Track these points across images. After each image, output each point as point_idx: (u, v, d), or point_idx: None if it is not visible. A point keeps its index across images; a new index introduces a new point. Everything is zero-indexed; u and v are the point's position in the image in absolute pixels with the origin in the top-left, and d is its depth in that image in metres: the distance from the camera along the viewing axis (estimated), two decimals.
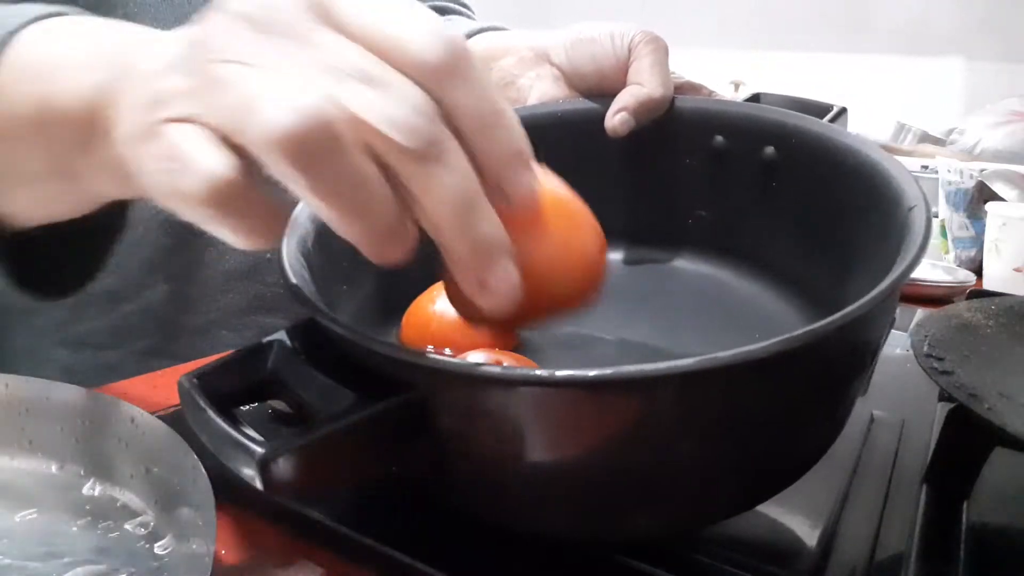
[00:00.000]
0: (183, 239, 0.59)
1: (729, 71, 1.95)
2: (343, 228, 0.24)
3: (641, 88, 0.48)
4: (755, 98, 0.51)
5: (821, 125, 0.44)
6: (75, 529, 0.34)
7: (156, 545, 0.33)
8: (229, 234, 0.25)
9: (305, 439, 0.26)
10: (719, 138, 0.48)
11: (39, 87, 0.31)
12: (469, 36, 0.65)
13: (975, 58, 1.74)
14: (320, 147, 0.21)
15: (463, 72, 0.23)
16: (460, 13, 0.75)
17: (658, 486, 0.29)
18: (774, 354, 0.26)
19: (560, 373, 0.25)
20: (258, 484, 0.25)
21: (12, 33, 0.31)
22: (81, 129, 0.30)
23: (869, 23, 1.84)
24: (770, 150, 0.46)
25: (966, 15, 1.72)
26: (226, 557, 0.33)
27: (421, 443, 0.28)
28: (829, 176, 0.42)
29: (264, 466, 0.25)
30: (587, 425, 0.27)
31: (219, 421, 0.27)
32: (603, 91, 0.51)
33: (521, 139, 0.25)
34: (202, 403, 0.28)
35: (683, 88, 0.51)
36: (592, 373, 0.25)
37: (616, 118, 0.48)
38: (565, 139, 0.50)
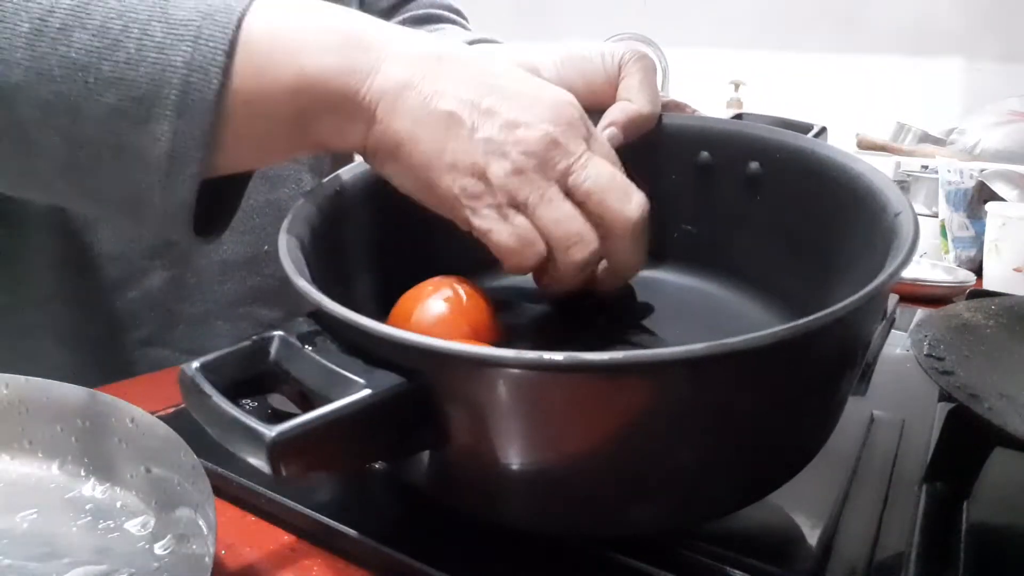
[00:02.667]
0: None
1: (729, 71, 1.95)
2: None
3: (630, 104, 0.49)
4: (738, 118, 0.51)
5: (804, 139, 0.45)
6: (75, 529, 0.34)
7: (156, 545, 0.33)
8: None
9: (314, 422, 0.26)
10: (704, 154, 0.49)
11: (294, 59, 0.36)
12: None
13: (975, 58, 1.74)
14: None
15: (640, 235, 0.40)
16: (454, 22, 0.75)
17: (660, 477, 0.29)
18: (781, 340, 0.26)
19: (572, 356, 0.25)
20: (266, 468, 0.26)
21: (242, 13, 0.36)
22: (331, 107, 0.37)
23: (869, 23, 1.84)
24: (755, 165, 0.46)
25: (966, 15, 1.72)
26: (226, 557, 0.33)
27: (426, 430, 0.29)
28: (813, 188, 0.43)
29: (274, 449, 0.25)
30: (595, 411, 0.27)
31: (225, 406, 0.27)
32: (592, 107, 0.51)
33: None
34: (206, 389, 0.28)
35: (668, 106, 0.52)
36: (605, 356, 0.25)
37: (605, 133, 0.48)
38: None
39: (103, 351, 0.60)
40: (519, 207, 0.37)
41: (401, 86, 0.36)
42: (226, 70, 0.35)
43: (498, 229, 0.37)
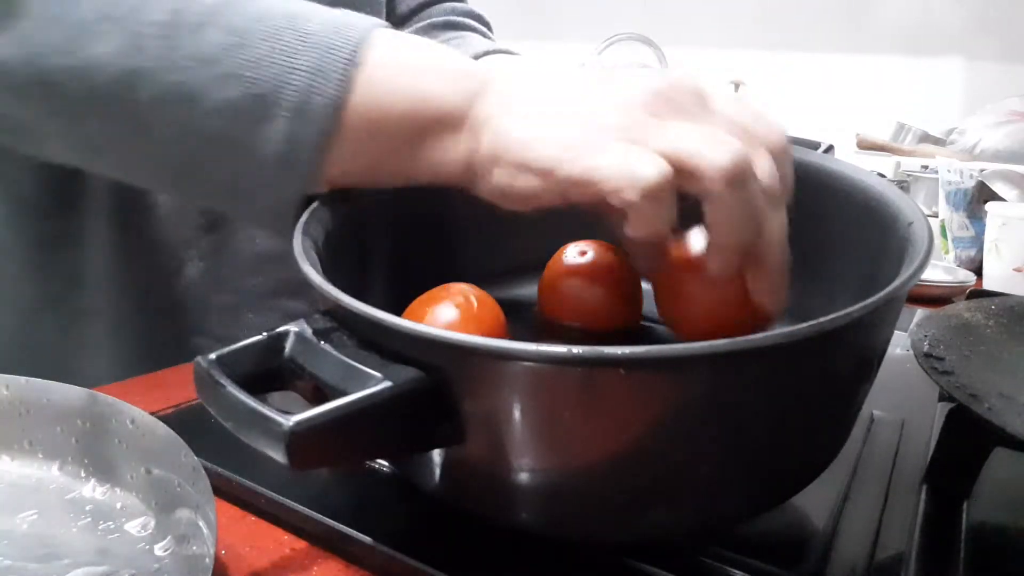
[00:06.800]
0: (215, 219, 0.62)
1: (729, 71, 1.95)
2: (726, 238, 0.35)
3: None
4: None
5: (813, 154, 0.45)
6: (75, 530, 0.34)
7: (156, 546, 0.33)
8: (645, 219, 0.34)
9: (332, 413, 0.26)
10: None
11: (413, 81, 0.38)
12: (475, 58, 0.66)
13: (975, 58, 1.74)
14: (742, 177, 0.33)
15: (790, 156, 0.37)
16: (474, 30, 0.75)
17: (679, 480, 0.29)
18: (802, 339, 0.26)
19: (593, 350, 0.25)
20: (283, 458, 0.25)
21: (367, 33, 0.38)
22: (443, 127, 0.38)
23: (869, 23, 1.84)
24: None
25: (966, 15, 1.72)
26: (226, 557, 0.33)
27: (443, 426, 0.28)
28: (823, 203, 0.43)
29: (292, 439, 0.25)
30: (615, 408, 0.27)
31: (241, 396, 0.27)
32: None
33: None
34: (221, 380, 0.28)
35: None
36: (627, 351, 0.25)
37: None
38: None
39: (147, 338, 0.62)
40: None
41: (506, 102, 0.37)
42: (348, 80, 0.37)
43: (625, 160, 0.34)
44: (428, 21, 0.74)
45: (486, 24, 0.78)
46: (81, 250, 0.59)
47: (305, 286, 0.31)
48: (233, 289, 0.64)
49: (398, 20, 0.74)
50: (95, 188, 0.58)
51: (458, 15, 0.75)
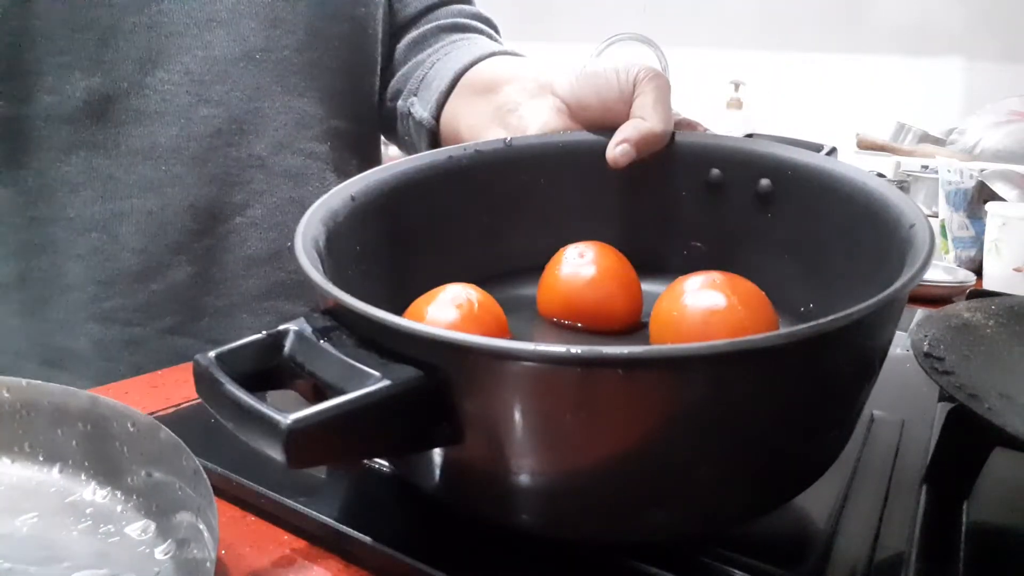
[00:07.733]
0: (207, 224, 0.63)
1: (729, 71, 1.95)
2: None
3: (643, 122, 0.49)
4: (748, 138, 0.52)
5: (816, 157, 0.45)
6: (75, 533, 0.34)
7: (157, 550, 0.33)
8: None
9: (330, 411, 0.26)
10: (715, 171, 0.49)
11: None
12: (480, 59, 0.67)
13: (975, 58, 1.74)
14: None
15: None
16: (481, 31, 0.76)
17: (678, 482, 0.29)
18: (800, 340, 0.27)
19: (591, 350, 0.25)
20: (280, 456, 0.26)
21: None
22: None
23: (869, 23, 1.84)
24: (766, 182, 0.47)
25: (966, 15, 1.72)
26: (226, 558, 0.33)
27: (441, 426, 0.29)
28: (825, 205, 0.43)
29: (289, 437, 0.25)
30: (614, 409, 0.27)
31: (240, 394, 0.27)
32: (605, 124, 0.52)
33: None
34: (221, 377, 0.28)
35: (680, 125, 0.52)
36: (625, 351, 0.25)
37: (618, 149, 0.49)
38: (566, 170, 0.52)
39: (131, 336, 0.62)
40: None
41: None
42: None
43: None
44: (435, 24, 0.74)
45: (493, 27, 0.78)
46: (58, 257, 0.61)
47: (301, 287, 0.31)
48: (225, 292, 0.65)
49: (403, 23, 0.74)
50: (67, 203, 0.59)
51: (465, 17, 0.75)
